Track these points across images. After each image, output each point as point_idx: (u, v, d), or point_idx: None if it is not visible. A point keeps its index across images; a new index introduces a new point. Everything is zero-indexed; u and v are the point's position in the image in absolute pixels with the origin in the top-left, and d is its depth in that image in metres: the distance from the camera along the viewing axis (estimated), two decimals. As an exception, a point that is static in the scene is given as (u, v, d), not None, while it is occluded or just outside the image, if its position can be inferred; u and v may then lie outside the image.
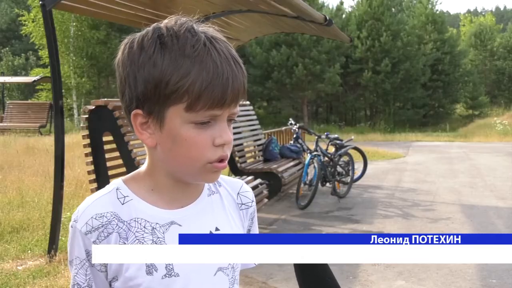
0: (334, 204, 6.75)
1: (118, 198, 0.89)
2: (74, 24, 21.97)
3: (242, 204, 1.01)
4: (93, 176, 4.27)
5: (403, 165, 10.66)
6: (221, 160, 0.85)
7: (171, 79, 0.79)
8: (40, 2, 4.00)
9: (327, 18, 5.77)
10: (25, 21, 22.86)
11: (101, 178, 4.24)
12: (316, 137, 7.20)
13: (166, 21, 0.85)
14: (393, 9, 27.34)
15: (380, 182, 8.59)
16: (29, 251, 4.46)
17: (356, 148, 8.16)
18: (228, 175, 6.93)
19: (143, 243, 0.86)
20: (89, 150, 4.23)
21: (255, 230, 1.06)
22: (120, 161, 4.28)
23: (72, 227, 0.88)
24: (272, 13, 5.85)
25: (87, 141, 4.24)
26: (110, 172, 4.30)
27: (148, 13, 5.32)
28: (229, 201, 0.98)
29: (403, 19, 27.06)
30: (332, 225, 5.71)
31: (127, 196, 0.89)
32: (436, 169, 10.01)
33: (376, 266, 4.25)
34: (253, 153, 7.33)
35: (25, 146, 11.01)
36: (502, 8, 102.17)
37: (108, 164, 4.28)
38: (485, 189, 7.75)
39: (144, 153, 4.32)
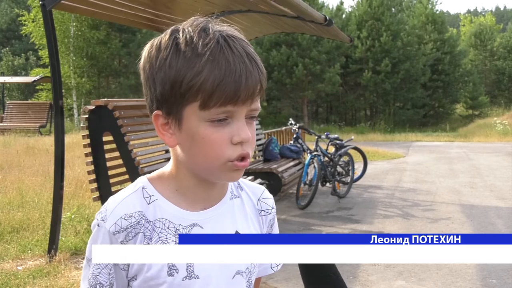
0: (334, 204, 6.75)
1: (144, 198, 0.89)
2: (74, 24, 21.97)
3: (262, 210, 1.02)
4: (93, 176, 4.27)
5: (403, 165, 10.66)
6: (242, 159, 0.85)
7: (184, 78, 0.81)
8: (40, 2, 4.00)
9: (327, 18, 5.77)
10: (25, 21, 22.86)
11: (101, 178, 4.24)
12: (316, 137, 7.21)
13: (184, 22, 0.87)
14: (393, 9, 27.36)
15: (380, 182, 8.59)
16: (29, 251, 4.46)
17: (356, 148, 8.16)
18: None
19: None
20: (89, 150, 4.23)
21: None
22: (120, 161, 4.28)
23: (98, 225, 0.88)
24: (272, 13, 5.85)
25: (87, 141, 4.23)
26: (110, 172, 4.30)
27: (148, 13, 5.32)
28: (249, 206, 0.99)
29: (403, 19, 27.07)
30: (332, 225, 5.71)
31: (152, 195, 0.90)
32: (436, 169, 10.01)
33: (376, 266, 4.25)
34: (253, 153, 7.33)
35: (25, 146, 11.01)
36: (502, 8, 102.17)
37: (108, 164, 4.28)
38: (485, 189, 7.75)
39: (144, 153, 4.34)
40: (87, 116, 4.20)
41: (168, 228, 0.88)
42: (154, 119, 0.87)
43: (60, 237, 4.42)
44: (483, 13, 61.81)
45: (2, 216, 5.39)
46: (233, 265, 0.92)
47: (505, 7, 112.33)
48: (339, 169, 7.32)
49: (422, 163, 11.04)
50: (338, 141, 7.56)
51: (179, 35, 0.84)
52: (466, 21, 40.46)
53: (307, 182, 6.73)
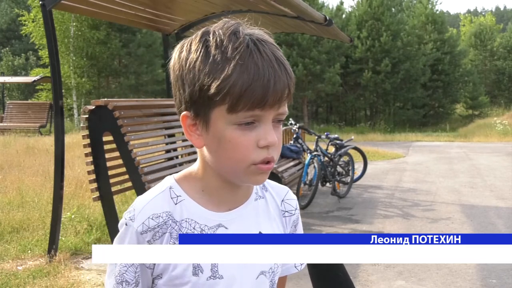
0: (334, 204, 6.76)
1: (171, 198, 0.91)
2: (74, 24, 21.96)
3: (286, 211, 1.03)
4: (93, 176, 4.27)
5: (403, 165, 10.66)
6: (267, 162, 0.86)
7: (213, 81, 0.81)
8: (40, 2, 4.00)
9: (327, 18, 5.76)
10: (25, 21, 22.85)
11: (101, 178, 4.24)
12: (316, 137, 7.21)
13: (216, 24, 0.88)
14: (393, 9, 27.35)
15: (380, 182, 8.59)
16: (29, 251, 4.46)
17: (356, 148, 8.16)
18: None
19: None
20: (89, 150, 4.23)
21: None
22: (120, 161, 4.28)
23: (126, 225, 0.89)
24: (272, 13, 5.85)
25: (87, 141, 4.23)
26: (110, 172, 4.30)
27: (148, 13, 5.32)
28: (273, 207, 1.00)
29: (403, 19, 27.07)
30: (332, 225, 5.71)
31: (179, 196, 0.91)
32: (436, 169, 10.01)
33: (376, 266, 4.25)
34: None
35: (25, 146, 11.01)
36: (502, 8, 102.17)
37: (108, 164, 4.28)
38: (485, 189, 7.75)
39: (144, 153, 4.34)
40: (87, 116, 4.20)
41: (194, 228, 0.89)
42: (182, 120, 0.88)
43: (60, 237, 4.42)
44: (483, 13, 61.80)
45: (2, 216, 5.39)
46: (257, 265, 0.93)
47: (505, 7, 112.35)
48: (339, 169, 7.32)
49: (422, 163, 11.04)
50: (338, 141, 7.56)
51: (209, 37, 0.85)
52: (466, 21, 40.46)
53: (307, 182, 6.73)
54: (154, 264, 0.89)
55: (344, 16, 27.97)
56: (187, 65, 0.85)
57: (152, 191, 0.93)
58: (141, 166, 4.12)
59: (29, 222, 5.25)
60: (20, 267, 4.10)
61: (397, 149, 13.95)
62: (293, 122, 7.64)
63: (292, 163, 7.08)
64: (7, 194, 6.44)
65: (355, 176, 7.85)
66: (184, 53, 0.86)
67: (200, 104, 0.84)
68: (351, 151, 7.72)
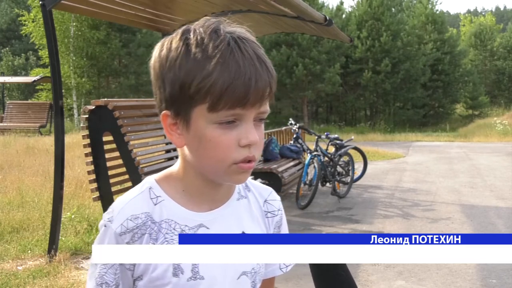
0: (334, 204, 6.75)
1: (151, 198, 0.90)
2: (74, 24, 21.97)
3: (268, 212, 1.01)
4: (93, 176, 4.27)
5: (403, 165, 10.66)
6: (248, 161, 0.85)
7: (194, 80, 0.81)
8: (40, 2, 4.00)
9: (327, 18, 5.76)
10: (25, 21, 22.86)
11: (101, 178, 4.24)
12: (316, 137, 7.20)
13: (197, 22, 0.86)
14: (393, 9, 27.35)
15: (380, 182, 8.59)
16: (29, 251, 4.46)
17: (356, 148, 8.16)
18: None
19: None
20: (89, 150, 4.23)
21: None
22: (120, 161, 4.28)
23: (105, 226, 0.89)
24: (272, 13, 5.85)
25: (87, 141, 4.24)
26: (110, 172, 4.30)
27: (148, 13, 5.32)
28: (256, 207, 0.99)
29: (403, 19, 27.07)
30: (332, 225, 5.71)
31: (159, 196, 0.90)
32: (436, 169, 10.01)
33: (376, 266, 4.25)
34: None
35: (25, 146, 11.01)
36: (502, 8, 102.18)
37: (108, 164, 4.28)
38: (485, 189, 7.75)
39: (144, 153, 4.35)
40: (87, 116, 4.20)
41: (174, 229, 0.88)
42: (162, 119, 0.87)
43: (60, 237, 4.42)
44: (483, 13, 61.80)
45: (2, 216, 5.39)
46: (238, 265, 0.92)
47: (505, 7, 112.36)
48: (339, 169, 7.32)
49: (422, 163, 11.04)
50: (338, 141, 7.56)
51: (190, 35, 0.83)
52: (466, 21, 40.46)
53: (307, 182, 6.72)
54: (134, 265, 0.88)
55: (344, 16, 27.97)
56: (168, 63, 0.84)
57: (131, 191, 0.92)
58: (141, 166, 4.12)
59: (29, 222, 5.25)
60: (20, 267, 4.10)
61: (397, 149, 13.95)
62: (293, 122, 7.64)
63: (292, 163, 7.08)
64: (7, 194, 6.44)
65: (355, 176, 7.84)
66: (164, 52, 0.85)
67: (181, 103, 0.83)
68: (351, 151, 7.72)
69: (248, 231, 0.94)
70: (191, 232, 0.89)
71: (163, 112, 0.87)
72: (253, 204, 0.99)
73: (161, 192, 0.90)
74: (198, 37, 0.82)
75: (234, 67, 0.80)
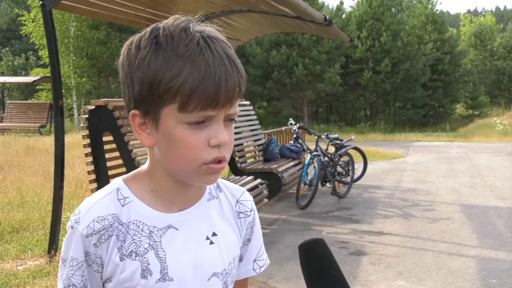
0: (334, 204, 6.75)
1: (118, 200, 0.88)
2: (74, 24, 21.97)
3: (240, 212, 1.00)
4: (93, 176, 4.27)
5: (403, 165, 10.66)
6: (218, 161, 0.84)
7: (163, 79, 0.79)
8: (40, 2, 4.00)
9: (327, 18, 5.76)
10: (25, 21, 22.87)
11: (101, 178, 4.24)
12: (316, 137, 7.20)
13: (166, 21, 0.85)
14: (393, 9, 27.35)
15: (380, 182, 8.59)
16: (29, 251, 4.46)
17: (356, 148, 8.16)
18: (228, 175, 6.93)
19: (139, 246, 0.86)
20: (89, 150, 4.23)
21: (257, 239, 1.04)
22: (120, 161, 4.28)
23: (72, 227, 0.88)
24: (272, 13, 5.85)
25: (87, 141, 4.23)
26: (110, 172, 4.30)
27: (148, 13, 5.32)
28: (227, 208, 0.98)
29: (403, 19, 27.07)
30: (332, 225, 5.70)
31: (127, 197, 0.89)
32: (436, 169, 10.01)
33: (376, 266, 4.26)
34: (253, 153, 7.33)
35: (25, 146, 11.01)
36: (502, 8, 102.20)
37: (108, 164, 4.28)
38: (485, 189, 7.74)
39: (144, 153, 4.34)
40: (87, 116, 4.20)
41: (142, 230, 0.87)
42: (131, 118, 0.86)
43: (60, 237, 4.41)
44: (483, 13, 61.81)
45: (2, 216, 5.39)
46: (209, 267, 0.91)
47: (505, 7, 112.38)
48: (339, 169, 7.32)
49: (422, 163, 11.04)
50: (338, 141, 7.56)
51: (159, 34, 0.82)
52: (466, 21, 40.47)
53: (307, 182, 6.72)
54: (102, 268, 0.87)
55: (344, 16, 27.97)
56: (136, 62, 0.82)
57: (99, 193, 0.90)
58: (141, 166, 4.11)
59: (29, 222, 5.26)
60: (20, 267, 4.10)
61: (397, 149, 13.95)
62: (293, 122, 7.64)
63: (292, 163, 7.08)
64: (7, 194, 6.44)
65: (355, 176, 7.84)
66: (133, 50, 0.83)
67: (150, 102, 0.82)
68: (351, 151, 7.72)
69: (219, 231, 0.93)
70: (160, 233, 0.87)
71: (132, 111, 0.85)
72: (225, 204, 0.97)
73: (129, 193, 0.89)
74: (168, 35, 0.81)
75: (204, 67, 0.79)
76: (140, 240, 0.86)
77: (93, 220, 0.86)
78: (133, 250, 0.86)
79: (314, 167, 6.71)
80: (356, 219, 5.94)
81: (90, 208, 0.87)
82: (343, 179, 7.40)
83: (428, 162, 11.19)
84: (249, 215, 1.01)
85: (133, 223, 0.87)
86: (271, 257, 4.51)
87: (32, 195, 6.32)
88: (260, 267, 1.06)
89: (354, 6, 29.08)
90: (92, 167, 4.26)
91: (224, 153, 0.84)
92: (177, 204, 0.90)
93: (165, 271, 0.87)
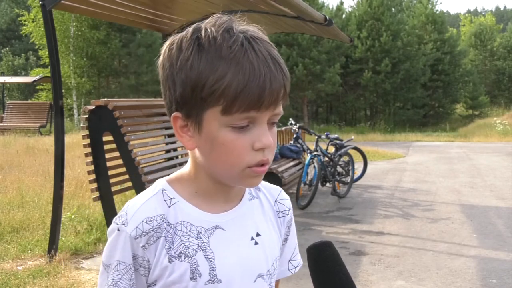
0: (334, 204, 6.75)
1: (165, 200, 0.87)
2: (74, 24, 21.97)
3: (280, 211, 1.00)
4: (93, 176, 4.27)
5: (403, 165, 10.66)
6: (262, 165, 0.83)
7: (207, 81, 0.78)
8: (40, 2, 4.00)
9: (327, 18, 5.76)
10: (25, 21, 22.87)
11: (101, 178, 4.24)
12: (316, 137, 7.20)
13: (207, 20, 0.84)
14: (393, 9, 27.35)
15: (380, 182, 8.59)
16: (29, 251, 4.46)
17: (356, 148, 8.15)
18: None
19: (188, 247, 0.85)
20: (89, 150, 4.23)
21: (293, 238, 1.04)
22: (120, 161, 4.28)
23: (118, 230, 0.85)
24: (272, 13, 5.85)
25: (87, 141, 4.23)
26: (110, 172, 4.30)
27: (148, 13, 5.32)
28: (268, 207, 0.98)
29: (403, 19, 27.07)
30: (332, 225, 5.70)
31: (173, 198, 0.88)
32: (436, 169, 10.00)
33: (376, 266, 4.26)
34: (253, 153, 7.32)
35: (25, 146, 11.01)
36: (502, 8, 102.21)
37: (108, 164, 4.28)
38: (485, 189, 7.74)
39: (144, 153, 4.35)
40: (87, 116, 4.20)
41: (190, 231, 0.86)
42: (173, 121, 0.85)
43: (60, 237, 4.42)
44: (483, 13, 61.81)
45: (2, 216, 5.39)
46: (255, 268, 0.90)
47: (505, 7, 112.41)
48: (339, 169, 7.32)
49: (422, 163, 11.04)
50: (338, 141, 7.56)
51: (201, 35, 0.81)
52: (466, 21, 40.47)
53: (307, 182, 6.72)
54: (149, 271, 0.86)
55: (344, 16, 27.97)
56: (178, 63, 0.81)
57: (144, 194, 0.89)
58: (141, 166, 4.12)
59: (29, 222, 5.25)
60: (20, 267, 4.10)
61: (397, 149, 13.95)
62: (293, 122, 7.64)
63: (292, 163, 7.08)
64: (7, 194, 6.44)
65: (355, 176, 7.84)
66: (174, 51, 0.82)
67: (192, 105, 0.81)
68: (351, 151, 7.72)
69: (262, 231, 0.93)
70: (208, 234, 0.87)
71: (174, 113, 0.84)
72: (265, 204, 0.97)
73: (174, 193, 0.88)
74: (210, 36, 0.80)
75: (249, 69, 0.77)
76: (188, 241, 0.85)
77: (142, 221, 0.84)
78: (182, 252, 0.85)
79: (314, 167, 6.71)
80: (356, 219, 5.94)
81: (138, 209, 0.86)
82: (343, 179, 7.40)
83: (428, 162, 11.18)
84: (288, 214, 1.01)
85: (181, 223, 0.86)
86: (271, 257, 4.52)
87: (32, 195, 6.32)
88: (295, 267, 1.06)
89: (354, 6, 29.10)
90: (92, 167, 4.26)
91: (267, 156, 0.83)
92: (221, 204, 0.90)
93: (214, 272, 0.86)
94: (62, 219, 4.46)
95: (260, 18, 6.49)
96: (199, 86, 0.79)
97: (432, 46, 26.51)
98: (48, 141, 11.06)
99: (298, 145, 7.48)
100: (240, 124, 0.79)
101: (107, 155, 4.26)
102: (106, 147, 4.27)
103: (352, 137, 8.91)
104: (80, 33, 22.23)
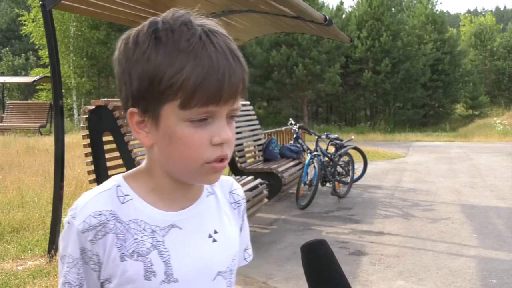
0: (334, 204, 6.75)
1: (118, 197, 0.85)
2: (74, 24, 21.98)
3: (235, 202, 0.99)
4: (93, 176, 4.27)
5: (403, 165, 10.66)
6: (220, 160, 0.81)
7: (165, 75, 0.76)
8: (40, 2, 4.00)
9: (327, 18, 5.77)
10: (25, 21, 22.88)
11: (101, 178, 4.23)
12: (316, 137, 7.20)
13: (164, 14, 0.82)
14: (393, 9, 27.35)
15: (380, 182, 8.58)
16: (29, 251, 4.46)
17: (356, 148, 8.16)
18: (228, 175, 6.90)
19: (141, 246, 0.83)
20: (89, 150, 4.23)
21: (246, 227, 1.03)
22: (120, 161, 4.28)
23: (68, 223, 0.84)
24: (272, 13, 5.85)
25: (87, 141, 4.23)
26: (110, 172, 4.29)
27: (148, 13, 5.32)
28: (224, 201, 0.96)
29: (403, 19, 27.07)
30: (332, 225, 5.70)
31: (127, 195, 0.85)
32: (436, 169, 10.00)
33: (376, 266, 4.26)
34: (253, 153, 7.33)
35: (25, 146, 11.02)
36: (502, 8, 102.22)
37: (108, 164, 4.28)
38: (485, 189, 7.74)
39: (144, 153, 4.33)
40: (87, 116, 4.20)
41: (144, 229, 0.84)
42: (129, 117, 0.82)
43: (60, 237, 4.41)
44: (483, 13, 61.82)
45: (2, 216, 5.39)
46: (214, 266, 0.89)
47: (505, 7, 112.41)
48: (339, 169, 7.32)
49: (422, 163, 11.04)
50: (338, 141, 7.56)
51: (158, 28, 0.79)
52: (466, 21, 40.49)
53: (307, 182, 6.72)
54: (100, 266, 0.83)
55: (344, 16, 27.97)
56: (135, 57, 0.78)
57: (97, 188, 0.86)
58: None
59: (29, 222, 5.26)
60: (20, 267, 4.10)
61: (397, 149, 13.95)
62: (293, 122, 7.64)
63: (292, 163, 7.08)
64: (7, 194, 6.44)
65: (355, 176, 7.84)
66: (131, 45, 0.80)
67: (150, 99, 0.78)
68: (351, 151, 7.72)
69: (220, 227, 0.91)
70: (162, 232, 0.85)
71: (130, 109, 0.82)
72: (221, 199, 0.96)
73: (130, 190, 0.86)
74: (168, 30, 0.78)
75: (207, 62, 0.76)
76: (142, 240, 0.83)
77: (90, 215, 0.82)
78: (135, 250, 0.83)
79: (314, 167, 6.71)
80: (356, 219, 5.94)
81: (87, 203, 0.84)
82: (343, 179, 7.40)
83: (428, 162, 11.18)
84: (242, 204, 1.00)
85: (134, 221, 0.84)
86: (271, 257, 4.52)
87: (32, 195, 6.32)
88: (250, 256, 1.05)
89: (354, 6, 29.10)
90: (92, 167, 4.26)
91: (226, 151, 0.81)
92: (178, 202, 0.88)
93: (170, 271, 0.84)
94: (62, 219, 4.46)
95: (260, 18, 6.49)
96: (157, 80, 0.77)
97: (432, 46, 26.51)
98: (48, 141, 11.07)
99: (298, 145, 7.48)
100: (198, 118, 0.78)
101: (107, 155, 4.25)
102: (106, 147, 4.27)
103: (352, 137, 8.91)
104: (80, 33, 22.24)
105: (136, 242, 0.83)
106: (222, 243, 0.90)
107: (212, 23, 0.82)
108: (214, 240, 0.89)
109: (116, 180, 0.87)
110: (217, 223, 0.92)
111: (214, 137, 0.79)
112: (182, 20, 0.79)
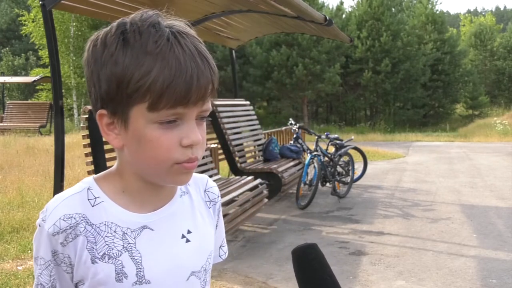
0: (334, 204, 6.75)
1: (88, 199, 0.85)
2: (74, 24, 21.99)
3: (210, 201, 0.98)
4: (93, 176, 4.26)
5: (403, 165, 10.66)
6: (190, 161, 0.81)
7: (132, 77, 0.76)
8: (40, 2, 4.00)
9: (327, 18, 5.76)
10: (25, 21, 22.90)
11: (101, 178, 4.23)
12: (316, 137, 7.20)
13: (132, 15, 0.82)
14: (393, 9, 27.35)
15: (380, 182, 8.59)
16: (29, 251, 4.46)
17: (356, 148, 8.16)
18: (228, 175, 6.91)
19: (112, 249, 0.83)
20: (89, 150, 4.23)
21: (221, 225, 1.03)
22: (120, 161, 4.27)
23: (39, 226, 0.85)
24: (272, 13, 5.85)
25: (87, 141, 4.23)
26: (110, 172, 4.29)
27: (148, 13, 5.31)
28: (198, 200, 0.96)
29: (403, 19, 27.07)
30: (332, 225, 5.70)
31: (98, 197, 0.85)
32: (436, 169, 10.00)
33: (376, 266, 4.26)
34: (253, 153, 7.33)
35: (25, 146, 11.02)
36: (502, 8, 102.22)
37: (108, 164, 4.27)
38: (485, 189, 7.74)
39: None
40: (87, 116, 4.20)
41: (114, 231, 0.84)
42: (98, 119, 0.82)
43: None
44: (483, 13, 61.83)
45: (2, 216, 5.39)
46: (187, 266, 0.88)
47: (505, 7, 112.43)
48: (339, 169, 7.32)
49: (422, 163, 11.04)
50: (338, 141, 7.56)
51: (126, 29, 0.79)
52: (466, 21, 40.50)
53: (307, 182, 6.72)
54: (72, 268, 0.83)
55: (344, 16, 27.96)
56: (103, 59, 0.78)
57: (68, 190, 0.86)
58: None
59: (29, 222, 5.26)
60: (20, 267, 4.10)
61: (397, 149, 13.95)
62: (293, 122, 7.64)
63: (292, 163, 7.08)
64: (7, 194, 6.44)
65: (355, 176, 7.85)
66: (99, 47, 0.79)
67: (118, 101, 0.78)
68: (351, 151, 7.72)
69: (194, 227, 0.91)
70: (134, 235, 0.84)
71: (99, 111, 0.81)
72: (195, 198, 0.95)
73: (100, 193, 0.86)
74: (136, 31, 0.78)
75: (175, 64, 0.76)
76: (113, 242, 0.83)
77: (60, 219, 0.82)
78: (106, 253, 0.83)
79: (314, 167, 6.71)
80: (356, 219, 5.94)
81: (57, 206, 0.84)
82: (343, 179, 7.41)
83: (428, 162, 11.18)
84: (217, 202, 1.00)
85: (105, 224, 0.84)
86: (271, 257, 4.53)
87: (32, 195, 6.32)
88: (225, 253, 1.05)
89: (354, 6, 29.10)
90: (92, 167, 4.25)
91: (196, 153, 0.81)
92: (150, 204, 0.87)
93: (142, 273, 0.83)
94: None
95: (260, 18, 6.49)
96: (125, 82, 0.77)
97: (432, 46, 26.51)
98: (48, 141, 11.07)
99: (298, 145, 7.48)
100: (166, 119, 0.78)
101: (107, 155, 4.25)
102: (106, 147, 4.27)
103: (352, 137, 8.91)
104: (80, 33, 22.25)
105: (107, 244, 0.83)
106: (196, 243, 0.90)
107: (181, 24, 0.82)
108: (188, 240, 0.89)
109: (87, 182, 0.87)
110: (190, 223, 0.91)
111: (183, 139, 0.79)
112: (150, 21, 0.80)
